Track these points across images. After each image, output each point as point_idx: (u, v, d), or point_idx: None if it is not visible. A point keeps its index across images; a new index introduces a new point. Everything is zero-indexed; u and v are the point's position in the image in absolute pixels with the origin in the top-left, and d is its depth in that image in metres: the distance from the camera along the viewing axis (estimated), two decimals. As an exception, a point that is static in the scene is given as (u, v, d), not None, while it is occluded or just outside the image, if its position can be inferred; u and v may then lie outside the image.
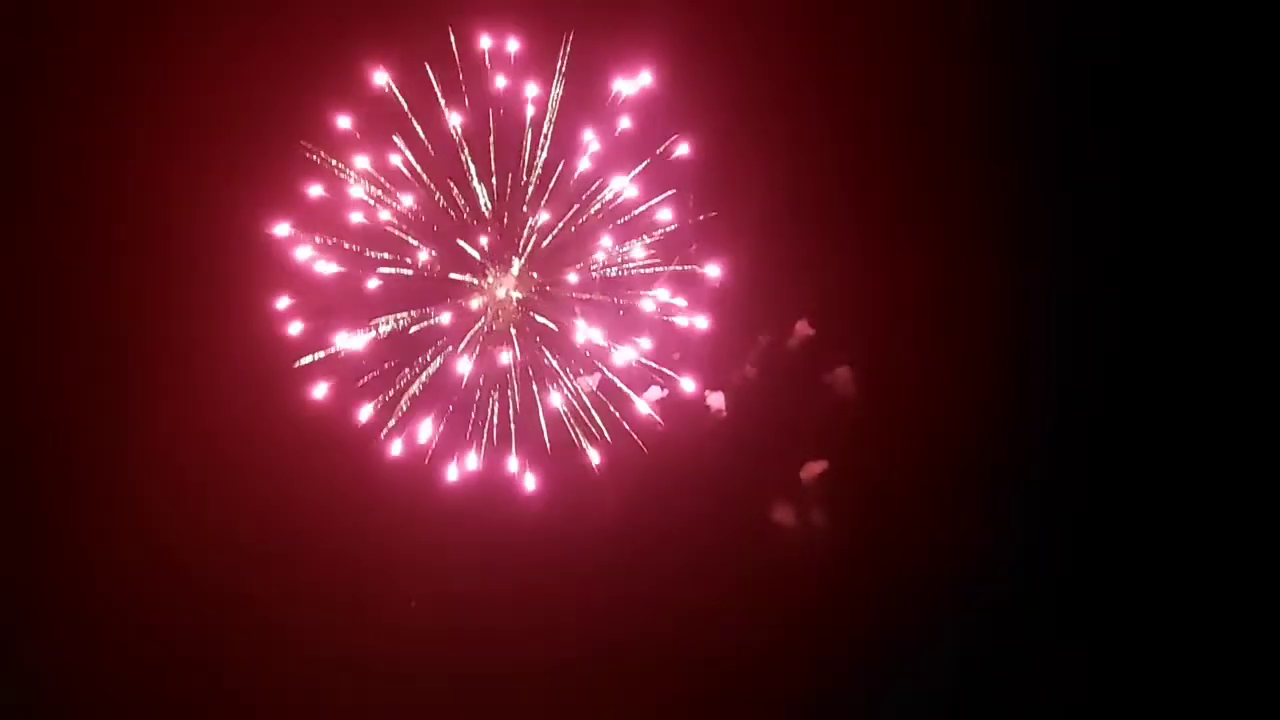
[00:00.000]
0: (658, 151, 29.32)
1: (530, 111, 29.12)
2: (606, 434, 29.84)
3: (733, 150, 30.49)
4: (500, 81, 29.42)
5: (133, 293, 31.83)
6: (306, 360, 29.65)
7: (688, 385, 30.19)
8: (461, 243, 29.50)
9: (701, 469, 31.22)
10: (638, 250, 29.67)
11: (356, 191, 29.39)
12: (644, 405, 29.87)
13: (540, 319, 29.85)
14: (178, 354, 31.59)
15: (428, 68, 28.99)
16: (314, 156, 29.24)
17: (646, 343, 29.71)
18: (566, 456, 29.79)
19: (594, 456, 29.77)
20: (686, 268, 29.83)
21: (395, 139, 29.16)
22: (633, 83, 29.47)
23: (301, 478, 31.11)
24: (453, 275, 29.65)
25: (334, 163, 29.33)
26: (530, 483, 29.95)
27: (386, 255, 29.53)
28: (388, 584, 31.15)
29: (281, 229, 29.57)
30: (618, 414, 29.99)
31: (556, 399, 29.78)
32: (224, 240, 30.86)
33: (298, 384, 29.84)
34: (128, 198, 31.55)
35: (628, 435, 29.87)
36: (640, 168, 29.32)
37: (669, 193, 29.46)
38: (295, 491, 31.01)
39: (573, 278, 29.78)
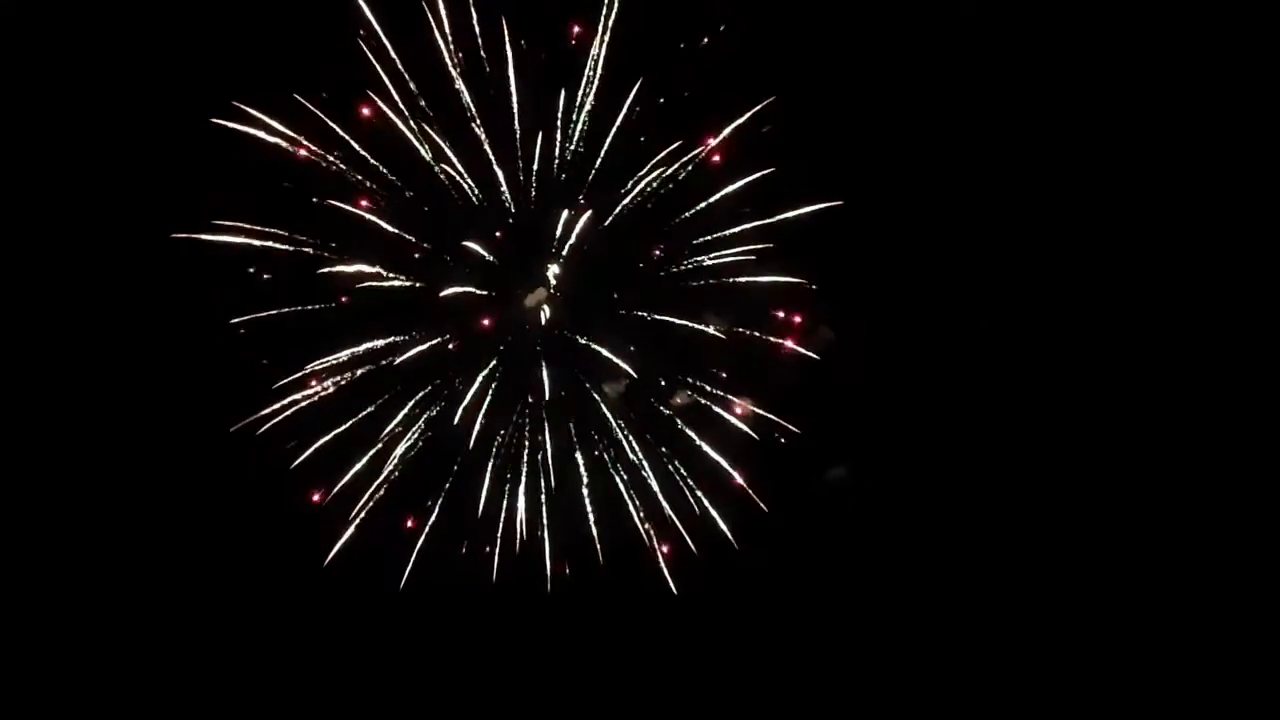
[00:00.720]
0: (745, 118, 22.36)
1: (567, 57, 22.24)
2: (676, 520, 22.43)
3: (852, 116, 23.40)
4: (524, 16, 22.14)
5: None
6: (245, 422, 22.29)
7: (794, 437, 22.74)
8: (471, 244, 22.33)
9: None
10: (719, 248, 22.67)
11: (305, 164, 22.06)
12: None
13: (582, 341, 22.87)
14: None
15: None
16: (243, 124, 21.76)
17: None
18: (624, 554, 22.57)
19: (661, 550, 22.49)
20: (792, 281, 22.56)
21: (371, 93, 21.86)
22: (708, 21, 22.58)
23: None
24: (456, 287, 22.51)
25: (281, 129, 21.86)
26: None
27: (361, 267, 22.25)
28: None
29: (198, 224, 21.95)
30: (692, 486, 22.44)
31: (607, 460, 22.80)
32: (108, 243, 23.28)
33: (230, 453, 22.50)
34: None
35: (714, 520, 22.50)
36: (720, 138, 22.33)
37: (764, 172, 22.34)
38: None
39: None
